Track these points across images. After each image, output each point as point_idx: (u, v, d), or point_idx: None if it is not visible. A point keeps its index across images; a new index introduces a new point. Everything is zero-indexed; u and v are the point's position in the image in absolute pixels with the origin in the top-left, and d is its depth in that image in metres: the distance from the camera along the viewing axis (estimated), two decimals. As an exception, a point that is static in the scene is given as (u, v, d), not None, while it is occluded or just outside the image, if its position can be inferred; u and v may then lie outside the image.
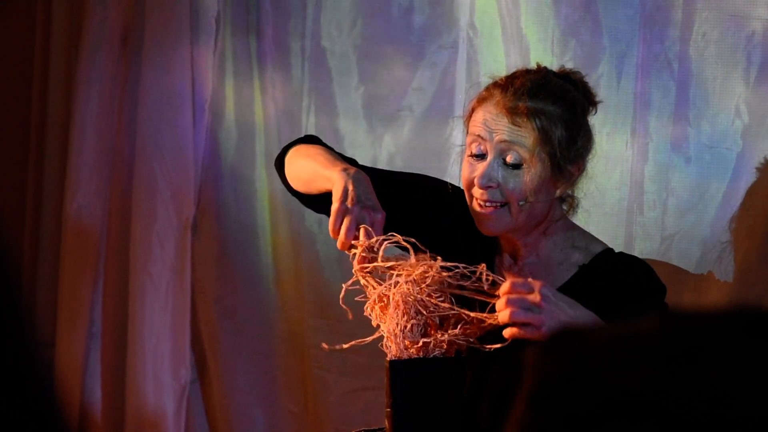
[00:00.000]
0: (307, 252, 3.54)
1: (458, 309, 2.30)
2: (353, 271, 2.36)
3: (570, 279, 2.56)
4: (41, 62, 3.75)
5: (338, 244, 2.40)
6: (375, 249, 2.34)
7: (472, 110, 2.57)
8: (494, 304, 2.28)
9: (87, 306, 3.69)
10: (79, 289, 3.68)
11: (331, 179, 2.48)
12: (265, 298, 3.63)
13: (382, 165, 3.49)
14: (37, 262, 3.76)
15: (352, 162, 2.66)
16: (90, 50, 3.63)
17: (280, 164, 2.73)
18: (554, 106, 2.51)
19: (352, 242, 2.38)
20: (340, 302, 2.36)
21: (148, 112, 3.62)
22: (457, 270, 2.32)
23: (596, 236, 2.65)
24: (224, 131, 3.65)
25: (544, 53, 3.28)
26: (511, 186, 2.49)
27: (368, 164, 3.50)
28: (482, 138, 2.51)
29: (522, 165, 2.49)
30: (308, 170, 2.61)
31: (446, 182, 2.73)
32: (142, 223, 3.62)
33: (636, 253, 3.21)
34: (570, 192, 2.60)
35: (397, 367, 2.32)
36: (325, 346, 2.55)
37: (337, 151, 2.73)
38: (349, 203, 2.40)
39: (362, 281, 2.34)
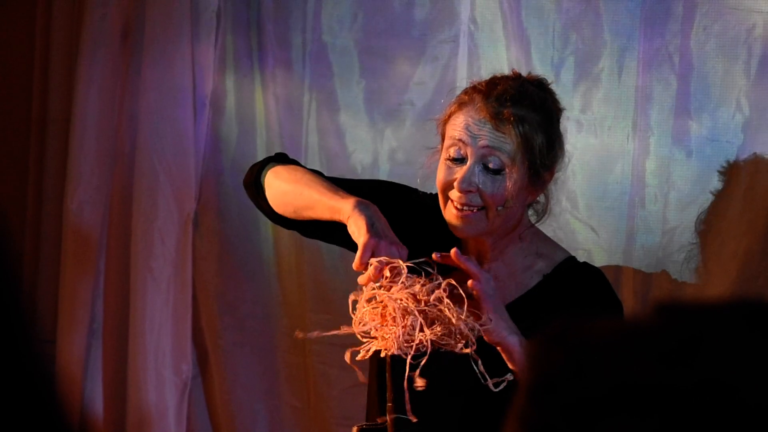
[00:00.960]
0: (309, 247, 3.54)
1: (449, 308, 2.30)
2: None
3: (534, 287, 2.58)
4: (42, 58, 3.75)
5: (363, 279, 2.36)
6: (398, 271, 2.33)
7: (450, 114, 2.57)
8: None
9: (88, 302, 3.68)
10: (80, 284, 3.68)
11: (342, 211, 2.44)
12: (266, 293, 3.63)
13: (384, 160, 3.49)
14: (38, 258, 3.76)
15: (323, 177, 2.63)
16: (91, 46, 3.63)
17: (256, 186, 2.71)
18: (535, 114, 2.53)
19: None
20: (350, 312, 2.37)
21: (148, 107, 3.61)
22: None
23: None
24: (225, 126, 3.65)
25: (545, 47, 3.28)
26: (490, 191, 2.50)
27: (371, 160, 3.51)
28: (463, 142, 2.51)
29: (503, 171, 2.50)
30: (304, 197, 2.58)
31: (414, 188, 2.73)
32: (143, 218, 3.61)
33: (638, 246, 3.22)
34: (538, 198, 2.62)
35: (397, 361, 2.32)
36: (298, 334, 2.56)
37: (306, 166, 2.74)
38: (377, 238, 2.37)
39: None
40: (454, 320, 2.27)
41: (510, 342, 2.33)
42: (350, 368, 2.44)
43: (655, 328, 1.02)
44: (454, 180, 2.51)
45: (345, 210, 2.43)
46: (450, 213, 2.53)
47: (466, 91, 2.58)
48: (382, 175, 3.47)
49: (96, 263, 3.69)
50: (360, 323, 2.33)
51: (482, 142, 2.50)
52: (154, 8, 3.59)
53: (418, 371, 2.28)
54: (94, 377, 3.72)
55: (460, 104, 2.56)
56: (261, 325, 3.64)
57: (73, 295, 3.68)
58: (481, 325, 2.30)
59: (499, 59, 3.33)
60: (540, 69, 3.27)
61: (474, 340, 2.29)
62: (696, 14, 3.16)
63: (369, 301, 2.33)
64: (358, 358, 2.36)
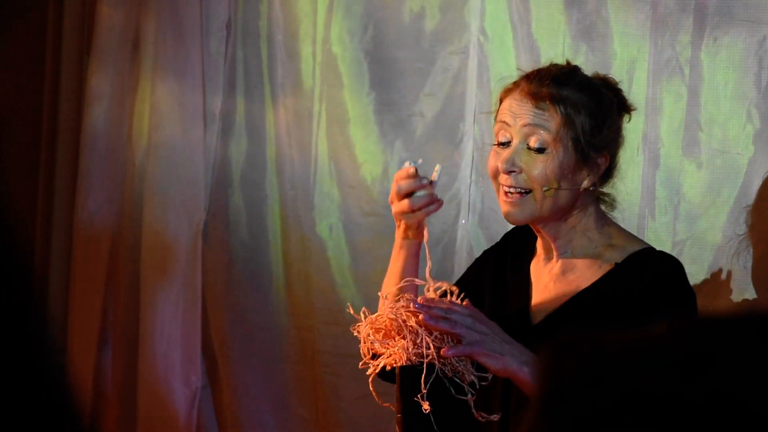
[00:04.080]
0: (318, 258, 3.54)
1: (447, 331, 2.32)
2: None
3: (603, 277, 2.55)
4: (53, 68, 3.76)
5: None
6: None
7: (500, 101, 2.59)
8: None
9: (98, 312, 3.69)
10: (91, 295, 3.68)
11: None
12: (275, 304, 3.63)
13: (394, 171, 3.49)
14: (49, 269, 3.76)
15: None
16: (101, 57, 3.64)
17: None
18: (579, 93, 2.52)
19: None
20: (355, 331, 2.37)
21: (159, 118, 3.62)
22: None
23: None
24: (235, 137, 3.65)
25: (555, 58, 3.27)
26: (534, 171, 2.50)
27: (381, 171, 3.51)
28: (507, 124, 2.53)
29: (545, 149, 2.49)
30: None
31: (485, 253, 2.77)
32: (153, 229, 3.62)
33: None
34: (601, 188, 2.60)
35: (407, 373, 2.33)
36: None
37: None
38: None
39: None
40: (461, 371, 2.30)
41: (522, 375, 2.34)
42: (359, 379, 2.45)
43: (665, 340, 1.02)
44: (500, 162, 2.52)
45: None
46: (501, 200, 2.54)
47: (512, 82, 2.60)
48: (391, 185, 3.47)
49: (106, 274, 3.70)
50: (366, 341, 2.34)
51: (522, 121, 2.51)
52: (164, 20, 3.60)
53: (423, 393, 2.29)
54: (104, 387, 3.72)
55: (507, 91, 2.58)
56: (270, 336, 3.64)
57: (83, 305, 3.68)
58: (481, 380, 2.32)
59: (509, 70, 3.33)
60: (550, 80, 3.27)
61: (474, 390, 2.32)
62: (707, 26, 3.16)
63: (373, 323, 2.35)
64: (368, 373, 2.36)
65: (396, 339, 2.32)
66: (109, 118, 3.66)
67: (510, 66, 3.34)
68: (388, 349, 2.33)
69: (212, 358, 3.70)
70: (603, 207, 2.62)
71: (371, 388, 2.39)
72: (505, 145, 2.53)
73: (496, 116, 2.60)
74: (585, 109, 2.52)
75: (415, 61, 3.46)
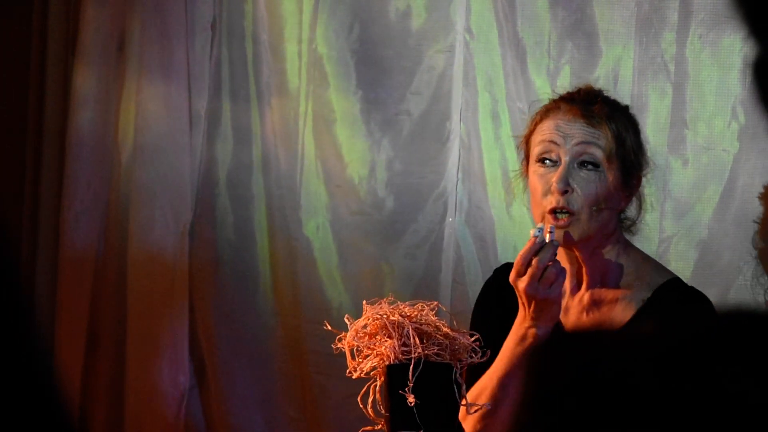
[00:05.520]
0: (305, 257, 3.54)
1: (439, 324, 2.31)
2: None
3: (635, 315, 2.49)
4: (37, 69, 3.75)
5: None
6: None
7: (536, 124, 2.54)
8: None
9: (85, 313, 3.68)
10: (78, 296, 3.67)
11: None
12: (262, 304, 3.63)
13: (381, 169, 3.49)
14: (35, 271, 3.75)
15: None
16: (86, 57, 3.63)
17: None
18: (622, 114, 2.53)
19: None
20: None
21: (144, 118, 3.62)
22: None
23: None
24: (221, 137, 3.65)
25: (540, 56, 3.29)
26: (587, 190, 2.46)
27: (368, 170, 3.51)
28: (555, 143, 2.48)
29: (599, 167, 2.48)
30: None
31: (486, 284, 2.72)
32: (140, 229, 3.61)
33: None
34: (627, 213, 2.58)
35: (394, 371, 2.33)
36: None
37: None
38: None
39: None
40: (451, 333, 2.29)
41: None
42: (347, 378, 2.45)
43: (655, 337, 1.02)
44: (551, 184, 2.46)
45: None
46: (548, 222, 2.46)
47: (548, 102, 2.57)
48: (379, 185, 3.48)
49: (93, 274, 3.69)
50: (352, 344, 2.35)
51: (575, 140, 2.47)
52: (149, 20, 3.59)
53: (410, 386, 2.28)
54: (92, 388, 3.71)
55: (546, 111, 2.54)
56: (257, 336, 3.64)
57: (70, 306, 3.67)
58: (474, 352, 2.31)
59: (495, 68, 3.34)
60: (535, 78, 3.28)
61: (466, 361, 2.30)
62: (691, 23, 3.17)
63: (364, 328, 2.35)
64: (355, 377, 2.36)
65: (382, 339, 2.32)
66: (95, 119, 3.65)
67: (496, 64, 3.34)
68: (374, 350, 2.33)
69: (200, 358, 3.69)
70: (623, 225, 2.60)
71: (361, 405, 2.39)
72: (553, 164, 2.49)
73: (529, 137, 2.56)
74: (631, 128, 2.51)
75: (401, 60, 3.46)
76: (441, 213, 3.44)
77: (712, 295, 3.14)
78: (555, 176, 2.46)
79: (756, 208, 3.12)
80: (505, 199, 3.34)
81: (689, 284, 2.59)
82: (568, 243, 2.49)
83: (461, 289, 3.39)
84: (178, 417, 3.65)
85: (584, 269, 2.53)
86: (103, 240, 3.70)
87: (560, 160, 2.48)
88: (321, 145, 3.54)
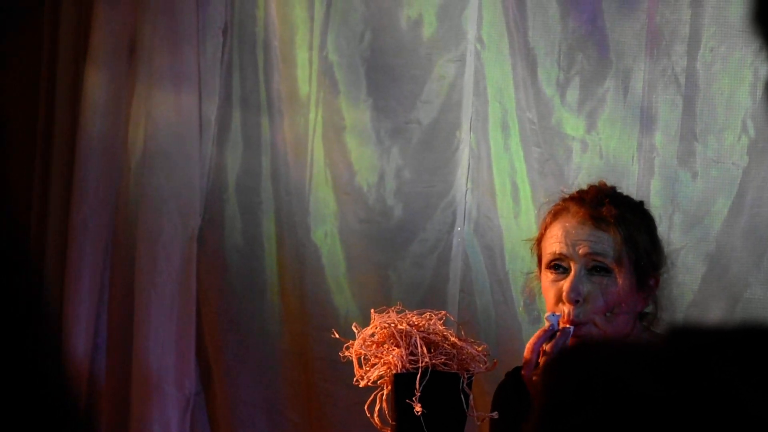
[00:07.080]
0: (313, 264, 3.54)
1: (446, 332, 2.31)
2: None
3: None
4: (48, 73, 3.76)
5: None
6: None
7: (546, 227, 2.53)
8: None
9: (92, 317, 3.69)
10: (85, 298, 3.68)
11: None
12: (269, 310, 3.63)
13: (390, 177, 3.49)
14: (44, 273, 3.76)
15: None
16: (97, 61, 3.64)
17: None
18: (633, 213, 2.49)
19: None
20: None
21: (154, 123, 3.62)
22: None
23: None
24: (230, 143, 3.65)
25: (551, 67, 3.29)
26: (598, 302, 2.45)
27: (377, 178, 3.51)
28: (564, 255, 2.47)
29: (610, 272, 2.45)
30: None
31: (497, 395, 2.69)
32: (148, 233, 3.62)
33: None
34: (647, 309, 2.56)
35: (402, 379, 2.33)
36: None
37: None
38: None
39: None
40: (459, 344, 2.29)
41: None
42: (353, 385, 2.45)
43: (660, 349, 1.03)
44: (563, 293, 2.45)
45: None
46: (564, 323, 2.46)
47: (557, 203, 2.54)
48: (388, 194, 3.48)
49: (100, 278, 3.69)
50: (360, 353, 2.35)
51: (583, 250, 2.45)
52: (160, 24, 3.60)
53: (417, 395, 2.28)
54: (98, 391, 3.72)
55: (555, 214, 2.52)
56: (264, 342, 3.64)
57: (77, 309, 3.68)
58: (482, 362, 2.32)
59: (506, 78, 3.34)
60: (546, 88, 3.28)
61: (472, 371, 2.30)
62: (702, 35, 3.17)
63: (371, 336, 2.35)
64: (362, 385, 2.36)
65: (389, 348, 2.33)
66: (105, 123, 3.66)
67: (506, 74, 3.34)
68: (381, 358, 2.33)
69: (206, 363, 3.70)
70: (644, 324, 2.57)
71: (367, 414, 2.39)
72: (564, 271, 2.47)
73: (540, 243, 2.55)
74: (644, 228, 2.48)
75: (411, 68, 3.46)
76: (449, 222, 3.44)
77: (720, 308, 3.15)
78: (566, 284, 2.45)
79: (765, 222, 3.12)
80: (513, 209, 3.35)
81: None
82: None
83: (469, 299, 3.39)
84: (184, 420, 3.65)
85: None
86: (111, 243, 3.70)
87: (570, 268, 2.47)
88: (330, 153, 3.54)
